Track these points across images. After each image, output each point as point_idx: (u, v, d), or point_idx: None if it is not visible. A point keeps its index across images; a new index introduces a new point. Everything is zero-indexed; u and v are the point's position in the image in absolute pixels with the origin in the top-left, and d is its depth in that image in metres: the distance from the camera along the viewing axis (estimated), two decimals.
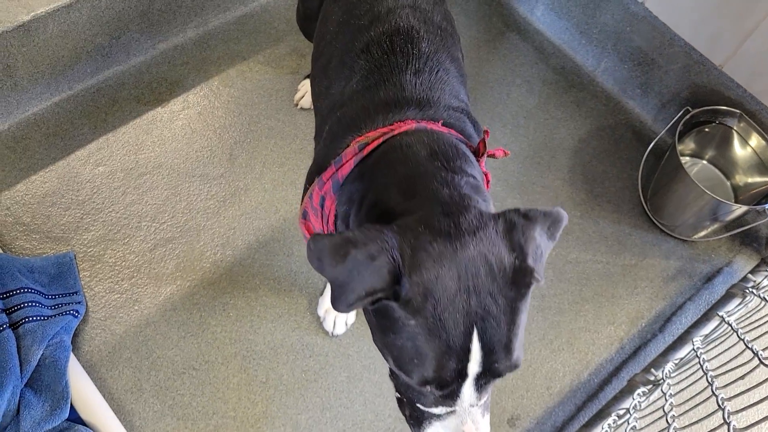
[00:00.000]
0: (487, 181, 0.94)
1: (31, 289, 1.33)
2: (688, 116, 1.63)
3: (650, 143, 1.75)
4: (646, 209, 1.72)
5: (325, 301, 1.42)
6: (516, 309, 0.69)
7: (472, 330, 0.68)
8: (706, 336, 1.45)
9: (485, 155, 0.91)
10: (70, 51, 1.57)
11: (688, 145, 1.74)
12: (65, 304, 1.36)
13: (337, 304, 0.69)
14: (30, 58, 1.51)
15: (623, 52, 1.84)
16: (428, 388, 0.72)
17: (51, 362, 1.27)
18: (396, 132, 0.86)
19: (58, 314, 1.33)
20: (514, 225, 0.72)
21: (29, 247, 1.44)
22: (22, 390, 1.24)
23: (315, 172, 0.96)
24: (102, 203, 1.51)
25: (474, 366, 0.69)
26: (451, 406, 0.73)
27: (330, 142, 0.96)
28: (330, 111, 1.02)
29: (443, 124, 0.89)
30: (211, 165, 1.60)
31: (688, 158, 1.76)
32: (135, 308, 1.41)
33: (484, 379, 0.71)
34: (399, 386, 0.80)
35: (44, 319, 1.30)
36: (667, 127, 1.73)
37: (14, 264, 1.36)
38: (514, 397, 1.45)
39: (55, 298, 1.37)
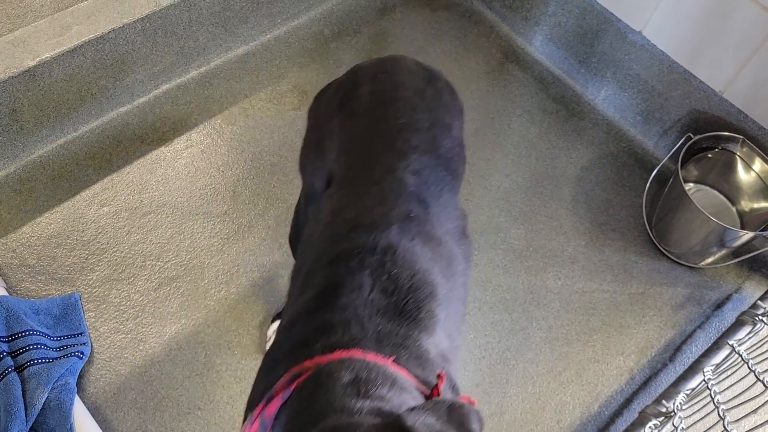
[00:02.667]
0: None
1: (37, 331, 1.33)
2: (690, 143, 1.63)
3: (653, 170, 1.75)
4: (652, 237, 1.71)
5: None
6: None
7: None
8: (717, 365, 1.43)
9: None
10: (74, 94, 1.59)
11: (692, 171, 1.74)
12: (70, 346, 1.36)
13: None
14: (35, 102, 1.53)
15: (623, 80, 1.85)
16: None
17: (56, 405, 1.26)
18: (325, 360, 0.70)
19: (64, 356, 1.33)
20: (401, 419, 0.57)
21: (35, 288, 1.44)
22: None
23: (249, 403, 0.80)
24: (107, 243, 1.52)
25: None
26: None
27: (267, 370, 0.80)
28: (281, 331, 0.85)
29: (395, 361, 0.72)
30: (215, 203, 1.61)
31: (692, 184, 1.76)
32: (140, 348, 1.41)
33: None
34: None
35: (49, 362, 1.30)
36: (669, 154, 1.73)
37: (20, 306, 1.36)
38: (523, 430, 1.43)
39: (60, 339, 1.37)
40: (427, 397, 0.72)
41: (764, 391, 0.89)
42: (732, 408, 0.96)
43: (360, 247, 0.78)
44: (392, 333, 0.73)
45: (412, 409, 0.59)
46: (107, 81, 1.64)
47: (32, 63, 1.47)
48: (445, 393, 0.75)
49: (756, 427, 0.79)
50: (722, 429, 0.87)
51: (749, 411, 0.90)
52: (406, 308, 0.75)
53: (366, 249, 0.78)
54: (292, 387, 0.70)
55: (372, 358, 0.70)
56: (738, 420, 0.88)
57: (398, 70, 0.98)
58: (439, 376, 0.73)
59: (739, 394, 1.07)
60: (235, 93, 1.80)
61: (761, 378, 0.93)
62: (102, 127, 1.68)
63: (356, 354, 0.70)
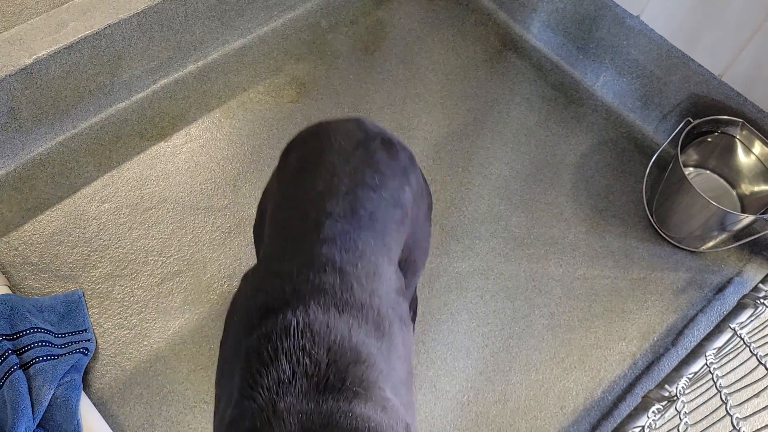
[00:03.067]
0: None
1: (41, 328, 1.34)
2: (689, 127, 1.62)
3: (653, 155, 1.75)
4: (653, 222, 1.71)
5: None
6: None
7: None
8: (719, 349, 1.43)
9: None
10: (72, 91, 1.59)
11: (691, 155, 1.74)
12: (75, 342, 1.37)
13: None
14: (33, 100, 1.53)
15: (621, 65, 1.84)
16: None
17: (62, 401, 1.27)
18: None
19: (68, 353, 1.34)
20: None
21: (38, 286, 1.45)
22: (34, 431, 1.24)
23: None
24: (109, 240, 1.52)
25: None
26: None
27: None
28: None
29: None
30: (216, 197, 1.62)
31: (692, 169, 1.76)
32: (144, 343, 1.42)
33: None
34: None
35: (54, 359, 1.31)
36: (669, 139, 1.73)
37: (24, 304, 1.37)
38: (527, 418, 1.44)
39: (64, 336, 1.37)
40: None
41: (766, 374, 0.90)
42: (734, 392, 0.97)
43: (270, 334, 0.75)
44: (319, 415, 0.69)
45: None
46: (104, 77, 1.63)
47: (29, 61, 1.47)
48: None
49: (758, 411, 0.79)
50: (725, 413, 0.87)
51: (751, 395, 0.91)
52: (328, 383, 0.71)
53: (278, 334, 0.74)
54: None
55: None
56: (740, 404, 0.89)
57: (330, 132, 0.94)
58: None
59: (742, 377, 1.08)
60: (233, 87, 1.79)
61: (763, 362, 0.94)
62: (101, 123, 1.68)
63: None
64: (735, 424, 0.79)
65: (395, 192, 0.91)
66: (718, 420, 0.96)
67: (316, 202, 0.86)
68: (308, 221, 0.85)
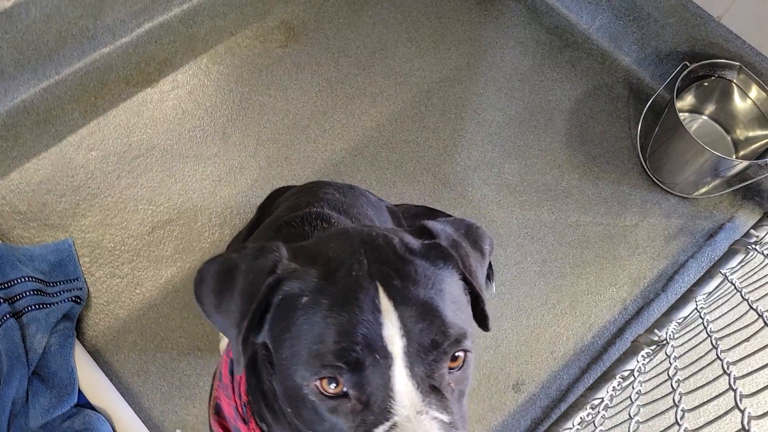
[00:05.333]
0: None
1: (32, 277, 1.34)
2: (686, 71, 1.60)
3: (648, 100, 1.73)
4: (646, 168, 1.70)
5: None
6: (433, 276, 0.60)
7: (377, 287, 0.57)
8: (709, 294, 1.45)
9: None
10: (54, 35, 1.54)
11: (687, 100, 1.72)
12: (67, 291, 1.36)
13: (230, 329, 0.62)
14: (14, 45, 1.49)
15: (618, 7, 1.80)
16: (338, 381, 0.56)
17: (56, 349, 1.28)
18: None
19: (60, 301, 1.34)
20: (425, 224, 0.67)
21: (27, 235, 1.44)
22: (29, 378, 1.25)
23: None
24: (97, 188, 1.50)
25: (394, 334, 0.55)
26: (388, 419, 0.54)
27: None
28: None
29: None
30: (205, 145, 1.59)
31: (687, 114, 1.74)
32: (137, 292, 1.42)
33: (420, 363, 0.56)
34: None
35: (47, 307, 1.31)
36: (665, 83, 1.70)
37: (14, 253, 1.36)
38: (518, 363, 1.46)
39: (56, 285, 1.37)
40: None
41: (756, 319, 0.91)
42: (724, 336, 0.98)
43: (291, 219, 0.94)
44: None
45: (430, 221, 0.68)
46: (87, 21, 1.58)
47: (8, 4, 1.42)
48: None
49: (748, 355, 0.80)
50: (715, 357, 0.88)
51: (741, 339, 0.91)
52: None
53: (295, 217, 0.94)
54: None
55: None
56: (730, 348, 0.89)
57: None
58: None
59: (732, 322, 1.08)
60: (220, 31, 1.74)
61: (754, 306, 0.95)
62: (85, 69, 1.63)
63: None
64: (726, 368, 0.79)
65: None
66: (708, 365, 0.97)
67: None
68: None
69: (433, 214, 1.52)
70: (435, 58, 1.79)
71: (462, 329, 0.58)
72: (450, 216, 1.51)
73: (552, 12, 1.91)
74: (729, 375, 0.76)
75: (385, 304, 0.56)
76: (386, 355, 0.55)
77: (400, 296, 0.57)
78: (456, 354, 0.59)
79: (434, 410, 0.55)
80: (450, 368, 0.59)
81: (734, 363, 0.82)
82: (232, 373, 0.81)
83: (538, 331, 1.50)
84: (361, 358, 0.55)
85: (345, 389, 0.56)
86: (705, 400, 0.87)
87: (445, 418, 0.56)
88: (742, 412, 0.69)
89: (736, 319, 1.02)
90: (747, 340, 0.86)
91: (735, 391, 0.72)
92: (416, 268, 0.60)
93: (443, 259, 0.63)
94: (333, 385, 0.56)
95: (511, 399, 1.43)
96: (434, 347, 0.57)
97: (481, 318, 0.67)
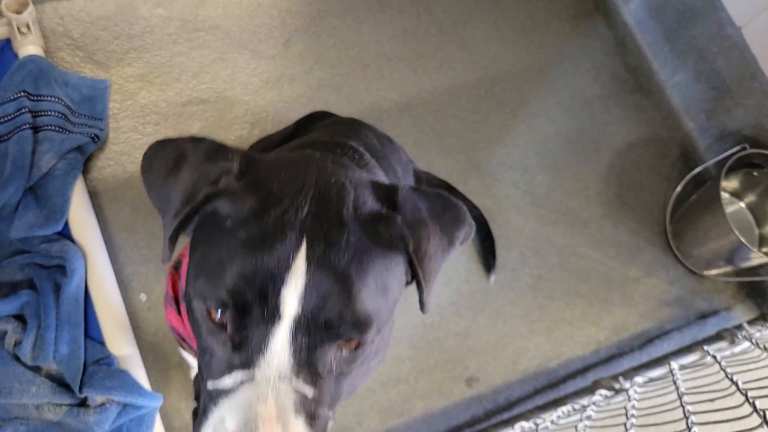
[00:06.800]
0: None
1: (61, 100, 1.34)
2: (742, 153, 1.59)
3: (695, 168, 1.72)
4: (668, 231, 1.69)
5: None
6: (365, 252, 0.56)
7: (301, 244, 0.54)
8: (683, 366, 1.45)
9: None
10: None
11: (732, 182, 1.71)
12: (88, 126, 1.37)
13: (165, 216, 0.61)
14: None
15: (702, 71, 1.78)
16: (224, 321, 0.55)
17: (59, 174, 1.28)
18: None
19: (79, 134, 1.34)
20: (396, 188, 0.62)
21: (70, 61, 1.44)
22: (25, 192, 1.26)
23: None
24: (151, 44, 1.50)
25: (292, 297, 0.53)
26: (249, 369, 0.54)
27: None
28: None
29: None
30: (266, 43, 1.58)
31: (727, 195, 1.73)
32: None
33: (307, 335, 0.54)
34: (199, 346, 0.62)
35: (65, 133, 1.31)
36: (717, 159, 1.69)
37: (52, 72, 1.36)
38: (479, 360, 1.46)
39: (80, 117, 1.37)
40: None
41: (731, 390, 0.90)
42: (692, 403, 0.97)
43: (327, 141, 0.94)
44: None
45: (414, 187, 0.64)
46: None
47: None
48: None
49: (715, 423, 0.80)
50: (677, 407, 0.88)
51: (705, 399, 0.91)
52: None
53: (331, 141, 0.92)
54: None
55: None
56: (697, 413, 0.89)
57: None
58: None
59: (699, 392, 1.09)
60: None
61: (735, 379, 0.94)
62: None
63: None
64: (689, 425, 0.79)
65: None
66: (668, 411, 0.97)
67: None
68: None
69: (453, 191, 1.52)
70: (512, 50, 1.78)
71: (367, 317, 0.55)
72: (468, 200, 1.51)
73: (637, 52, 1.89)
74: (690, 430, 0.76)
75: (300, 263, 0.54)
76: (275, 314, 0.53)
77: (319, 262, 0.54)
78: (351, 338, 0.56)
79: (299, 382, 0.54)
80: (341, 348, 0.57)
81: (700, 424, 0.82)
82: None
83: (508, 339, 1.50)
84: (249, 304, 0.54)
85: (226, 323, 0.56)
86: None
87: (309, 392, 0.54)
88: None
89: (706, 385, 1.02)
90: (712, 401, 0.86)
91: None
92: (350, 238, 0.56)
93: (388, 236, 0.59)
94: (218, 315, 0.56)
95: (460, 390, 1.44)
96: (326, 327, 0.54)
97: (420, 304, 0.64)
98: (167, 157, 0.63)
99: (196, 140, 0.63)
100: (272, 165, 0.61)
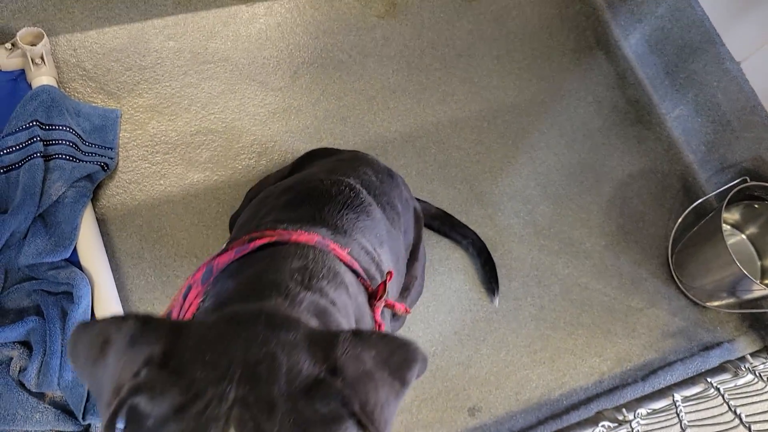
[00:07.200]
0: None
1: (73, 129, 1.37)
2: (743, 186, 1.60)
3: (696, 200, 1.73)
4: (670, 262, 1.70)
5: None
6: (304, 425, 0.52)
7: (228, 427, 0.51)
8: (686, 397, 1.45)
9: (382, 300, 0.82)
10: None
11: (733, 214, 1.72)
12: (98, 155, 1.39)
13: (99, 402, 0.57)
14: None
15: (702, 105, 1.81)
16: None
17: (69, 202, 1.31)
18: (292, 238, 0.78)
19: (89, 162, 1.37)
20: (336, 340, 0.57)
21: (83, 91, 1.47)
22: (35, 219, 1.28)
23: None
24: (161, 75, 1.54)
25: None
26: None
27: (230, 238, 0.90)
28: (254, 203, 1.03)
29: (349, 253, 0.83)
30: (274, 75, 1.62)
31: (728, 227, 1.74)
32: (160, 182, 1.44)
33: None
34: None
35: (76, 161, 1.34)
36: (718, 190, 1.71)
37: (65, 102, 1.39)
38: (482, 389, 1.46)
39: (91, 146, 1.40)
40: (371, 294, 0.83)
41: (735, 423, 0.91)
42: (697, 427, 0.98)
43: (327, 180, 0.97)
44: (348, 231, 0.88)
45: (356, 333, 0.59)
46: None
47: None
48: (390, 291, 0.87)
49: None
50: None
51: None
52: (360, 215, 0.93)
53: (334, 181, 0.96)
54: (249, 246, 0.78)
55: (332, 247, 0.80)
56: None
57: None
58: (388, 273, 0.86)
59: (706, 419, 1.09)
60: None
61: (738, 412, 0.95)
62: None
63: (316, 238, 0.80)
64: None
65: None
66: None
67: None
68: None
69: (450, 220, 1.54)
70: (514, 83, 1.81)
71: None
72: (465, 226, 1.53)
73: (638, 86, 1.93)
74: None
75: None
76: None
77: None
78: None
79: None
80: None
81: None
82: (185, 297, 0.80)
83: (511, 369, 1.50)
84: None
85: None
86: None
87: None
88: None
89: (710, 417, 1.03)
90: None
91: None
92: (284, 422, 0.52)
93: (327, 409, 0.54)
94: None
95: (463, 420, 1.43)
96: None
97: None
98: (92, 342, 0.59)
99: (119, 321, 0.58)
100: (199, 340, 0.57)
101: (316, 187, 0.95)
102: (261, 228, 0.84)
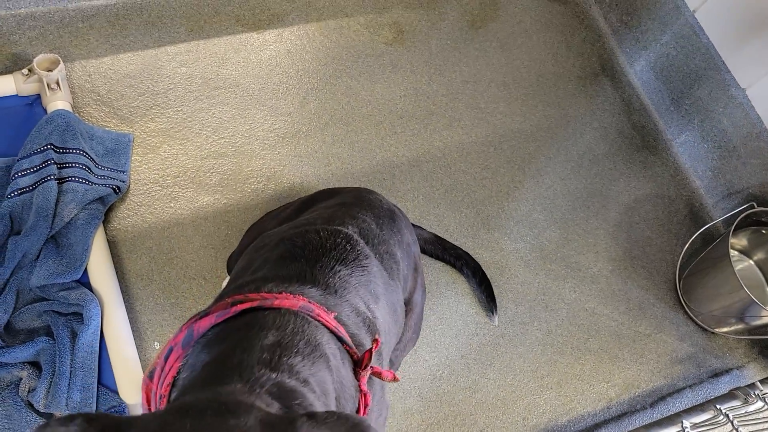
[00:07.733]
0: (365, 405, 0.79)
1: (86, 153, 1.39)
2: (750, 212, 1.61)
3: (704, 226, 1.74)
4: (678, 288, 1.70)
5: None
6: None
7: None
8: (695, 424, 1.43)
9: (368, 369, 0.80)
10: None
11: (741, 240, 1.72)
12: (111, 178, 1.42)
13: None
14: None
15: (707, 131, 1.82)
16: None
17: (81, 224, 1.32)
18: (275, 304, 0.76)
19: (102, 185, 1.39)
20: (292, 425, 0.56)
21: (96, 116, 1.50)
22: (46, 240, 1.30)
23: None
24: (173, 101, 1.57)
25: None
26: None
27: (219, 295, 0.89)
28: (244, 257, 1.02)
29: (336, 318, 0.80)
30: (283, 101, 1.65)
31: (736, 253, 1.74)
32: (170, 205, 1.46)
33: None
34: None
35: (88, 184, 1.36)
36: (725, 216, 1.71)
37: (79, 126, 1.42)
38: (488, 414, 1.46)
39: (103, 169, 1.42)
40: (357, 361, 0.80)
41: None
42: None
43: (322, 229, 0.95)
44: (339, 290, 0.86)
45: (311, 415, 0.58)
46: None
47: None
48: (376, 361, 0.83)
49: None
50: None
51: None
52: (355, 271, 0.91)
53: (330, 232, 0.94)
54: (231, 311, 0.76)
55: (317, 312, 0.78)
56: None
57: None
58: (375, 341, 0.82)
59: None
60: (337, 8, 1.82)
61: None
62: None
63: (300, 303, 0.78)
64: None
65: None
66: None
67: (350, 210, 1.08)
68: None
69: (442, 243, 1.55)
70: (521, 109, 1.84)
71: None
72: (457, 248, 1.53)
73: (644, 112, 1.95)
74: None
75: None
76: None
77: None
78: None
79: None
80: None
81: None
82: (166, 359, 0.79)
83: (518, 394, 1.50)
84: None
85: None
86: None
87: None
88: None
89: None
90: None
91: None
92: None
93: None
94: None
95: None
96: None
97: None
98: None
99: (67, 421, 0.56)
100: None
101: (311, 240, 0.93)
102: (246, 288, 0.83)
